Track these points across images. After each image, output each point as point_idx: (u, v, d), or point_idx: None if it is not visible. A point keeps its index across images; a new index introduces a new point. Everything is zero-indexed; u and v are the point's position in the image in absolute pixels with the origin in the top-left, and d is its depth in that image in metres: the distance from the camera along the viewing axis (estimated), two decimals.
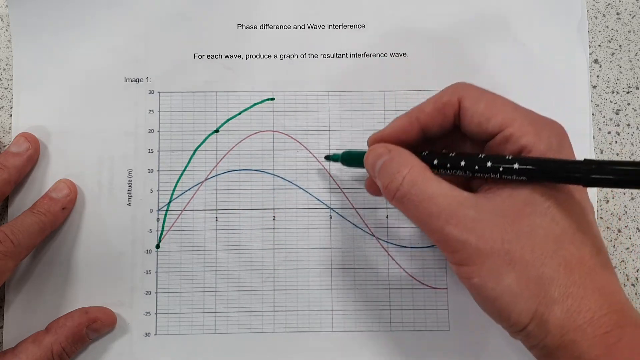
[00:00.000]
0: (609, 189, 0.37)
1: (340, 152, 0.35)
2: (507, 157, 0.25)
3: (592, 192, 0.36)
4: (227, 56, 0.37)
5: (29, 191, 0.35)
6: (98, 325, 0.34)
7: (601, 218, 0.37)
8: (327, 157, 0.36)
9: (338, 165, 0.36)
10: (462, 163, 0.27)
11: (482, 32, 0.37)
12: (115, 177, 0.36)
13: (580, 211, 0.26)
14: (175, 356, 0.35)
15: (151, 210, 0.36)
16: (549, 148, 0.25)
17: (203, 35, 0.37)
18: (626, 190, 0.37)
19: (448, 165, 0.27)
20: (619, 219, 0.37)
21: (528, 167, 0.25)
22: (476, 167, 0.26)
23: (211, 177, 0.36)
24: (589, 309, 0.23)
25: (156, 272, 0.35)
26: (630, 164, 0.23)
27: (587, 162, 0.23)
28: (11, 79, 0.37)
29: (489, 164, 0.26)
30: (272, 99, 0.37)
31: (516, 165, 0.25)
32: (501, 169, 0.25)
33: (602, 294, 0.24)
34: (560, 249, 0.24)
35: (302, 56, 0.37)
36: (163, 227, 0.36)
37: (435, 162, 0.28)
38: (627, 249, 0.37)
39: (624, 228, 0.37)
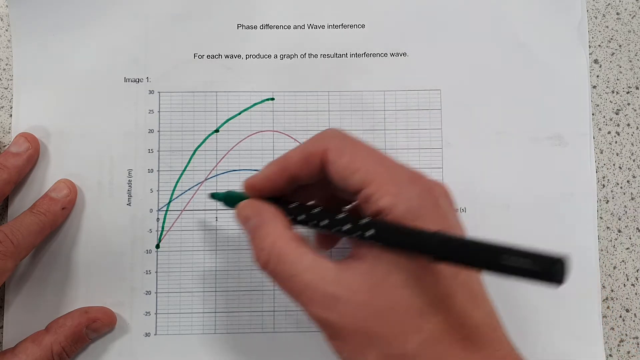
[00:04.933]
0: (609, 190, 0.37)
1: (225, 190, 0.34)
2: (362, 221, 0.25)
3: (592, 192, 0.36)
4: (227, 56, 0.37)
5: (29, 191, 0.35)
6: (98, 325, 0.34)
7: (601, 218, 0.37)
8: (212, 196, 0.34)
9: None
10: (324, 222, 0.26)
11: (482, 32, 0.37)
12: (115, 177, 0.36)
13: (446, 279, 0.24)
14: (175, 356, 0.35)
15: (151, 210, 0.36)
16: (407, 210, 0.24)
17: (203, 35, 0.37)
18: (626, 190, 0.37)
19: (313, 222, 0.27)
20: (619, 219, 0.37)
21: (378, 234, 0.24)
22: (336, 228, 0.26)
23: (211, 177, 0.36)
24: None
25: (156, 272, 0.35)
26: (478, 245, 0.21)
27: (435, 236, 0.22)
28: (11, 79, 0.37)
29: (347, 226, 0.25)
30: (272, 99, 0.37)
31: (371, 232, 0.24)
32: (358, 233, 0.25)
33: None
34: (424, 323, 0.23)
35: (302, 56, 0.37)
36: (163, 227, 0.36)
37: (300, 218, 0.27)
38: (627, 249, 0.37)
39: (624, 228, 0.37)
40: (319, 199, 0.30)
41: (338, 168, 0.26)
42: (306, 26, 0.37)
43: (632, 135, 0.38)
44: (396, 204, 0.24)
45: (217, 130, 0.37)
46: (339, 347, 0.25)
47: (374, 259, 0.24)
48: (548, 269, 0.19)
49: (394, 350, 0.23)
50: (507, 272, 0.20)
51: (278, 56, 0.37)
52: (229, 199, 0.32)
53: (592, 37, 0.38)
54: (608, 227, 0.37)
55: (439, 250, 0.22)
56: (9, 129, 0.36)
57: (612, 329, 0.36)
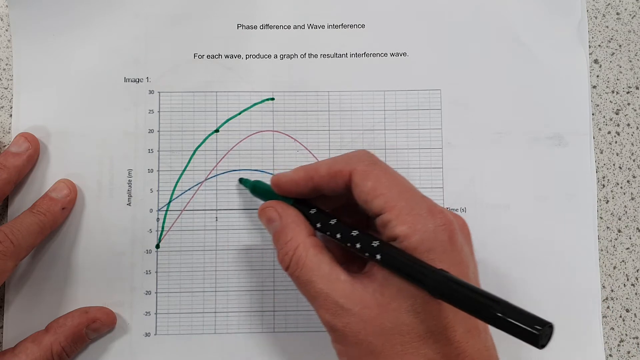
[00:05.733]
0: (609, 189, 0.37)
1: (256, 179, 0.35)
2: (373, 244, 0.26)
3: (592, 191, 0.36)
4: (227, 56, 0.37)
5: (29, 191, 0.35)
6: (98, 325, 0.34)
7: (601, 218, 0.37)
8: (240, 180, 0.36)
9: None
10: (338, 235, 0.28)
11: (482, 32, 0.37)
12: (115, 177, 0.36)
13: (448, 311, 0.25)
14: (175, 356, 0.35)
15: (151, 210, 0.36)
16: (421, 242, 0.25)
17: (203, 35, 0.37)
18: (626, 190, 0.37)
19: (327, 233, 0.29)
20: (619, 219, 0.37)
21: (385, 259, 0.26)
22: (348, 244, 0.28)
23: (211, 177, 0.36)
24: None
25: (156, 272, 0.35)
26: (474, 292, 0.23)
27: (437, 273, 0.24)
28: (11, 79, 0.37)
29: (357, 245, 0.27)
30: (272, 99, 0.37)
31: (378, 256, 0.26)
32: (367, 254, 0.27)
33: None
34: (422, 347, 0.25)
35: (302, 56, 0.37)
36: (163, 227, 0.36)
37: (318, 225, 0.29)
38: (627, 249, 0.37)
39: (624, 228, 0.37)
40: (343, 206, 0.31)
41: (361, 191, 0.27)
42: (306, 26, 0.37)
43: (632, 135, 0.38)
44: (411, 234, 0.26)
45: (217, 130, 0.37)
46: (340, 351, 0.27)
47: (384, 280, 0.26)
48: (536, 330, 0.21)
49: None
50: (497, 324, 0.22)
51: (278, 56, 0.37)
52: (256, 189, 0.34)
53: (592, 37, 0.38)
54: (608, 227, 0.37)
55: (438, 288, 0.24)
56: (9, 129, 0.36)
57: (612, 329, 0.36)
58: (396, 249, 0.26)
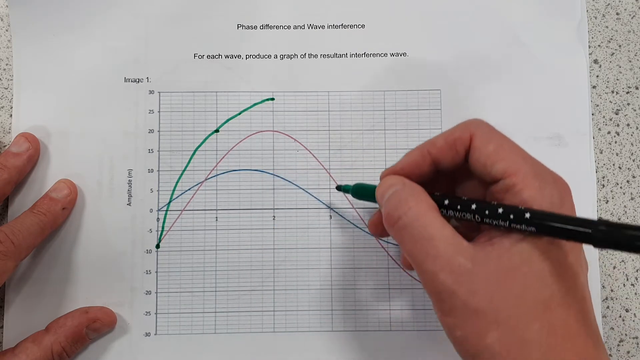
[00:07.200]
0: (609, 189, 0.37)
1: (350, 183, 0.34)
2: (520, 206, 0.25)
3: (592, 192, 0.36)
4: (227, 56, 0.37)
5: (29, 191, 0.35)
6: (98, 325, 0.34)
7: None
8: (338, 188, 0.35)
9: (338, 165, 0.36)
10: (474, 206, 0.26)
11: (482, 32, 0.37)
12: (115, 177, 0.36)
13: (573, 274, 0.25)
14: (175, 356, 0.35)
15: (151, 210, 0.36)
16: (551, 205, 0.25)
17: (203, 35, 0.37)
18: (626, 190, 0.37)
19: (458, 207, 0.27)
20: (619, 219, 0.37)
21: (538, 219, 0.24)
22: (486, 212, 0.26)
23: (211, 177, 0.36)
24: None
25: (156, 272, 0.35)
26: None
27: (600, 223, 0.23)
28: (11, 79, 0.37)
29: (500, 210, 0.25)
30: (272, 99, 0.37)
31: (527, 215, 0.24)
32: (512, 216, 0.25)
33: (582, 359, 0.24)
34: (546, 312, 0.24)
35: (302, 56, 0.37)
36: (163, 227, 0.36)
37: (447, 202, 0.27)
38: None
39: None
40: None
41: (482, 155, 0.26)
42: (306, 26, 0.37)
43: (632, 135, 0.38)
44: (539, 198, 0.25)
45: (217, 130, 0.37)
46: (454, 324, 0.25)
47: (511, 246, 0.24)
48: None
49: (515, 335, 0.24)
50: None
51: (278, 56, 0.37)
52: (360, 191, 0.32)
53: (592, 37, 0.38)
54: None
55: (608, 236, 0.22)
56: (9, 129, 0.36)
57: (612, 329, 0.36)
58: (546, 212, 0.24)
